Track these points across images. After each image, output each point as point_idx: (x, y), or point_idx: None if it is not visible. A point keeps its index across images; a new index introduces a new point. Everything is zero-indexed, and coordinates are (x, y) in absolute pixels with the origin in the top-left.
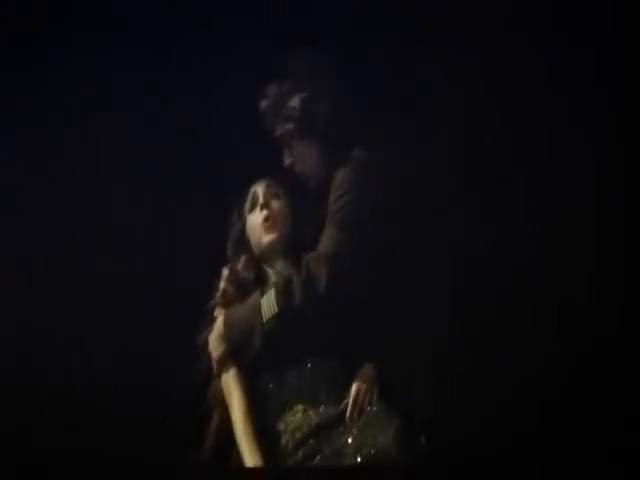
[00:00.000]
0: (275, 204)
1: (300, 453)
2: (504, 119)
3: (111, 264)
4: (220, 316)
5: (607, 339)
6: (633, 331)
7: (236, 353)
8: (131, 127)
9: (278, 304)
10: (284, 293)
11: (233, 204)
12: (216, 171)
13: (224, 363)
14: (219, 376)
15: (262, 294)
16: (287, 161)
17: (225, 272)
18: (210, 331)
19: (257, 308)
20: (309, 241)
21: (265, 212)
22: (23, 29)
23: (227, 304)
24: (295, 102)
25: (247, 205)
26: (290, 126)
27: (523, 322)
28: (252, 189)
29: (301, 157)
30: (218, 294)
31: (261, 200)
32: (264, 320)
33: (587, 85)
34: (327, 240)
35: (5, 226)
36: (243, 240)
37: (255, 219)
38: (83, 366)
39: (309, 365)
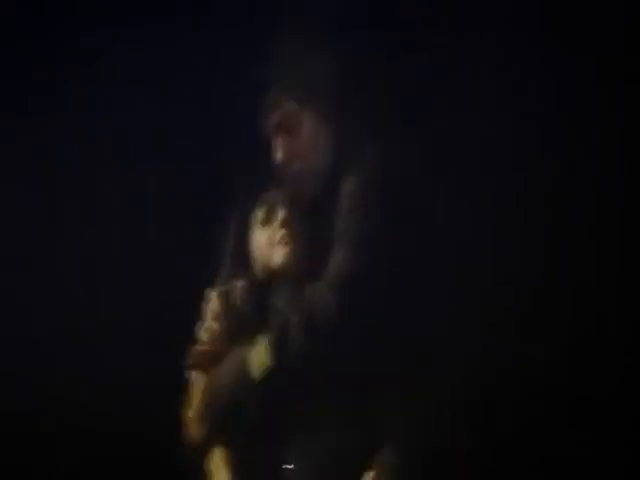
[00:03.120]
0: (295, 224)
1: None
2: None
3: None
4: (197, 384)
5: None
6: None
7: (221, 432)
8: (129, 126)
9: (273, 355)
10: (279, 339)
11: (230, 211)
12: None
13: (208, 445)
14: (202, 461)
15: (252, 345)
16: (281, 156)
17: (213, 302)
18: (187, 404)
19: (245, 365)
20: (311, 266)
21: (285, 231)
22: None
23: (207, 361)
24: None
25: (259, 215)
26: (296, 102)
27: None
28: (269, 199)
29: (303, 147)
30: (194, 348)
31: (282, 216)
32: (254, 380)
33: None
34: (336, 265)
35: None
36: (244, 256)
37: (264, 235)
38: None
39: (313, 444)
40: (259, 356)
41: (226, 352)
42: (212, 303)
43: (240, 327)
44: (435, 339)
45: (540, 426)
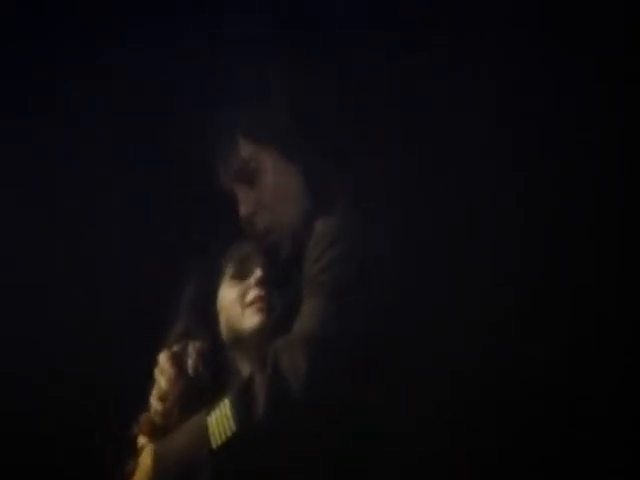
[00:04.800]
0: (270, 284)
1: None
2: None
3: None
4: (146, 452)
5: None
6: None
7: None
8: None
9: (234, 420)
10: (242, 402)
11: (193, 264)
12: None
13: None
14: None
15: (210, 410)
16: (245, 209)
17: (164, 365)
18: (133, 472)
19: (203, 431)
20: (281, 324)
21: (259, 291)
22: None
23: (159, 429)
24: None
25: (231, 269)
26: (256, 152)
27: None
28: (241, 252)
29: (267, 198)
30: (145, 415)
31: (259, 274)
32: (214, 448)
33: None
34: (306, 316)
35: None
36: (209, 313)
37: (234, 292)
38: None
39: None
40: (219, 422)
41: (180, 419)
42: (163, 366)
43: (196, 392)
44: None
45: (540, 426)
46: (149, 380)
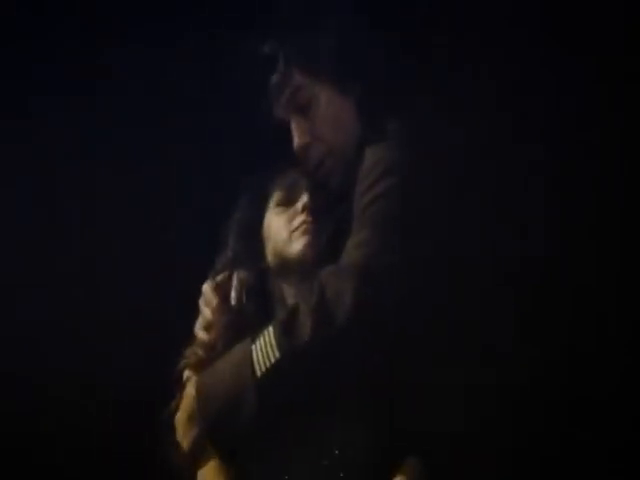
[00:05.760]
0: (317, 211)
1: None
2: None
3: None
4: (191, 384)
5: None
6: None
7: (217, 437)
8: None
9: (279, 347)
10: (287, 330)
11: (242, 190)
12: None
13: (199, 455)
14: (193, 475)
15: (254, 338)
16: (299, 140)
17: (208, 296)
18: (177, 406)
19: (247, 360)
20: (328, 253)
21: (305, 217)
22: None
23: (205, 361)
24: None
25: (277, 197)
26: (307, 78)
27: None
28: (289, 181)
29: (321, 129)
30: (190, 348)
31: (305, 200)
32: (258, 376)
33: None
34: (354, 247)
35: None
36: (255, 241)
37: (281, 219)
38: None
39: (330, 451)
40: (264, 349)
41: (225, 349)
42: (207, 296)
43: (241, 321)
44: (454, 333)
45: (540, 426)
46: (195, 313)
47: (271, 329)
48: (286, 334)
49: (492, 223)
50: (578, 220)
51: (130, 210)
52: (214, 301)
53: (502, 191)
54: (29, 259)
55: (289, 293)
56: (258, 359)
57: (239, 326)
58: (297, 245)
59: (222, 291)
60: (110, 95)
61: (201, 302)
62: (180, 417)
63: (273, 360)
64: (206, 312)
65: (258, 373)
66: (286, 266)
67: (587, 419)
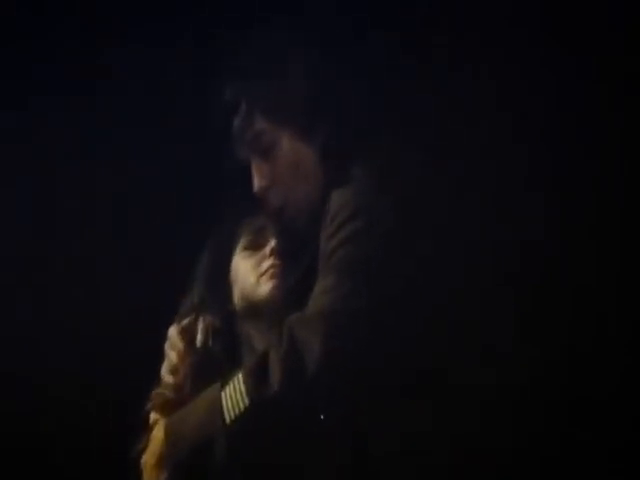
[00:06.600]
0: (285, 255)
1: None
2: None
3: None
4: (158, 427)
5: None
6: None
7: None
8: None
9: (248, 395)
10: (256, 378)
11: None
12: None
13: None
14: None
15: (223, 384)
16: (259, 183)
17: (175, 339)
18: (144, 449)
19: (216, 406)
20: (295, 298)
21: (273, 260)
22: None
23: (171, 405)
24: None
25: (245, 241)
26: (269, 125)
27: None
28: (255, 224)
29: (281, 173)
30: (156, 390)
31: (274, 245)
32: (227, 423)
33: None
34: (321, 292)
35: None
36: (222, 285)
37: (248, 263)
38: None
39: None
40: (233, 396)
41: (192, 393)
42: (172, 340)
43: (207, 365)
44: (453, 333)
45: (540, 426)
46: (160, 357)
47: (240, 377)
48: (255, 382)
49: (492, 223)
50: (578, 220)
51: (130, 210)
52: (180, 344)
53: (502, 191)
54: (29, 259)
55: (256, 337)
56: (227, 406)
57: (205, 368)
58: (265, 288)
59: (188, 335)
60: (110, 95)
61: (167, 346)
62: (148, 460)
63: (242, 408)
64: (172, 355)
65: (227, 420)
66: (253, 310)
67: (587, 419)
